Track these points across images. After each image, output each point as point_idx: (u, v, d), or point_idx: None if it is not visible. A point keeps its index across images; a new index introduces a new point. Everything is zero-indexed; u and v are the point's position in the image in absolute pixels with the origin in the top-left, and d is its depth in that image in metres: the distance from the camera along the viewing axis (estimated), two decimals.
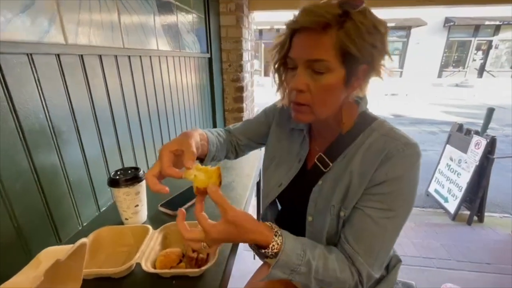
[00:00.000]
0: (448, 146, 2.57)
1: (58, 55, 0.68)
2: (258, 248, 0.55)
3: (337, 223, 0.61)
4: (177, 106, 1.39)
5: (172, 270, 0.59)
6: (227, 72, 2.13)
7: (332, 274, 0.54)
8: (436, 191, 2.62)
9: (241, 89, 2.19)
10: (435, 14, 11.55)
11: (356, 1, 0.49)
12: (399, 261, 0.74)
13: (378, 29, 0.50)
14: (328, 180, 0.63)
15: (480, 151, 2.18)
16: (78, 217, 0.79)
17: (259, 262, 0.89)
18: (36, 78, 0.64)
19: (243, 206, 0.92)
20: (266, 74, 13.30)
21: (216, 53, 1.95)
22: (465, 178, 2.29)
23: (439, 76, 13.03)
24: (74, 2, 0.72)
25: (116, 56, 0.90)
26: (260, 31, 12.94)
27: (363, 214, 0.57)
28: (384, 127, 0.59)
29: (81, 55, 0.76)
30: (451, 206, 2.36)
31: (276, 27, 12.75)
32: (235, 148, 0.85)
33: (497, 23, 11.89)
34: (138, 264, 0.60)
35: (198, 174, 0.49)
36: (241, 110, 2.24)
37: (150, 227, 0.70)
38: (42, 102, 0.65)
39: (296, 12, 0.52)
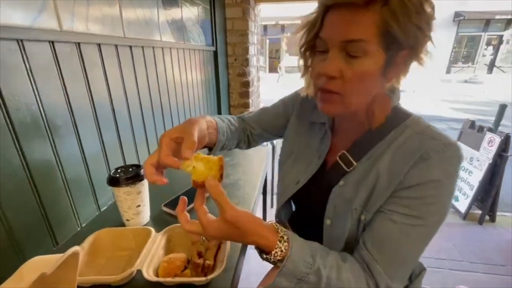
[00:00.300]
0: (458, 143, 2.49)
1: (52, 42, 0.63)
2: (261, 251, 0.49)
3: (357, 228, 0.55)
4: (181, 101, 1.33)
5: (177, 279, 0.54)
6: (233, 66, 2.07)
7: (346, 286, 0.48)
8: None
9: (247, 84, 2.12)
10: (444, 9, 11.27)
11: None
12: (423, 269, 0.67)
13: (425, 8, 0.43)
14: (351, 181, 0.57)
15: (493, 149, 2.10)
16: (76, 217, 0.74)
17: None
18: (28, 67, 0.58)
19: (251, 207, 0.86)
20: (270, 70, 13.20)
21: (222, 47, 1.89)
22: (477, 177, 2.21)
23: (448, 72, 12.77)
24: None
25: (116, 46, 0.84)
26: (265, 27, 12.82)
27: (387, 219, 0.50)
28: (420, 124, 0.52)
29: (78, 43, 0.70)
30: (462, 205, 2.29)
31: (281, 22, 12.61)
32: (247, 137, 0.79)
33: (508, 17, 11.57)
34: (139, 271, 0.55)
35: (197, 165, 0.44)
36: (247, 105, 2.18)
37: (152, 229, 0.65)
38: (34, 94, 0.60)
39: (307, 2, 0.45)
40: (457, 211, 2.31)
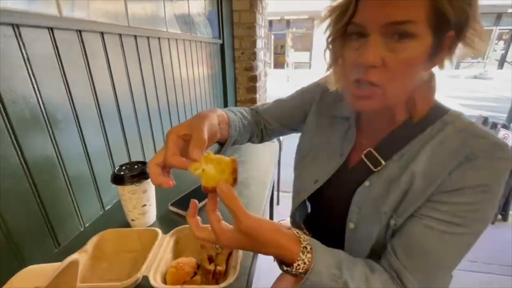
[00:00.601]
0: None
1: (51, 29, 0.58)
2: (280, 262, 0.44)
3: (385, 234, 0.50)
4: (187, 95, 1.28)
5: (186, 286, 0.49)
6: (240, 60, 2.01)
7: None
8: None
9: (254, 79, 2.07)
10: None
11: None
12: (451, 276, 0.62)
13: None
14: (379, 181, 0.51)
15: None
16: (79, 217, 0.70)
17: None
18: (25, 55, 0.54)
19: (261, 207, 0.81)
20: (275, 66, 13.08)
21: (228, 40, 1.83)
22: None
23: (457, 67, 12.49)
24: None
25: (120, 36, 0.79)
26: (270, 22, 12.67)
27: (423, 225, 0.45)
28: (462, 121, 0.47)
29: (79, 31, 0.65)
30: None
31: (286, 17, 12.46)
32: (261, 131, 0.74)
33: None
34: (145, 277, 0.51)
35: (207, 168, 0.39)
36: (254, 101, 2.12)
37: (159, 231, 0.61)
38: (32, 85, 0.55)
39: None
40: None
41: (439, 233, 0.44)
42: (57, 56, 0.60)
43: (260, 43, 2.09)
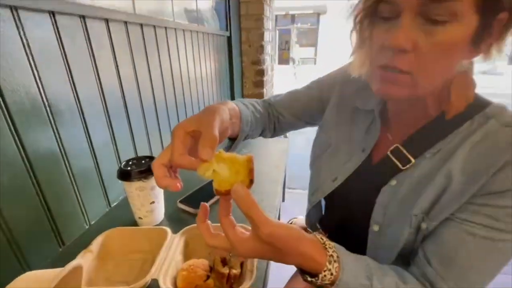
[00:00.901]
0: None
1: (53, 13, 0.54)
2: (303, 272, 0.39)
3: (415, 238, 0.45)
4: (194, 88, 1.24)
5: None
6: (247, 54, 1.96)
7: None
8: None
9: (261, 73, 2.01)
10: None
11: None
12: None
13: None
14: (408, 180, 0.47)
15: None
16: (84, 214, 0.67)
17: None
18: (25, 41, 0.50)
19: (275, 206, 0.77)
20: (280, 62, 12.95)
21: (236, 32, 1.78)
22: None
23: None
24: None
25: (126, 23, 0.75)
26: (275, 17, 12.53)
27: (461, 230, 0.40)
28: (507, 115, 0.42)
29: (83, 17, 0.61)
30: None
31: (291, 12, 12.30)
32: (274, 125, 0.69)
33: None
34: (155, 280, 0.47)
35: (219, 169, 0.34)
36: (261, 95, 2.08)
37: (168, 230, 0.57)
38: (33, 73, 0.52)
39: None
40: None
41: (480, 240, 0.39)
42: (60, 43, 0.56)
43: (267, 36, 2.04)
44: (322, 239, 0.39)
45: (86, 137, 0.65)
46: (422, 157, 0.46)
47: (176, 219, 0.70)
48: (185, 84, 1.14)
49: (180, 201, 0.74)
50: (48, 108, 0.55)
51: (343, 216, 0.61)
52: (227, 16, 1.60)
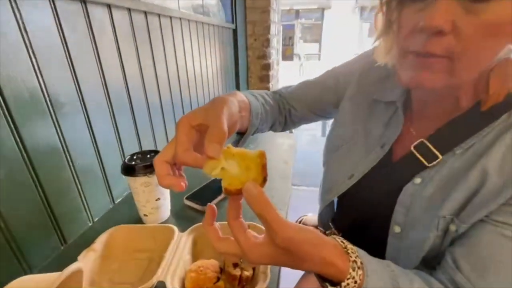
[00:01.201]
0: None
1: None
2: (323, 280, 0.35)
3: (442, 241, 0.41)
4: (200, 80, 1.21)
5: None
6: (252, 47, 1.91)
7: None
8: None
9: (267, 67, 1.97)
10: None
11: None
12: None
13: None
14: (434, 179, 0.43)
15: None
16: (87, 211, 0.64)
17: None
18: (21, 25, 0.46)
19: (287, 203, 0.73)
20: (284, 58, 12.84)
21: (241, 25, 1.74)
22: None
23: None
24: None
25: (129, 10, 0.71)
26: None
27: (498, 234, 0.36)
28: None
29: (84, 2, 0.57)
30: None
31: (295, 7, 12.15)
32: (285, 118, 0.65)
33: None
34: (161, 282, 0.44)
35: (228, 166, 0.30)
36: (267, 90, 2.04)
37: (175, 228, 0.54)
38: (31, 59, 0.48)
39: None
40: None
41: None
42: (59, 29, 0.53)
43: (274, 29, 1.99)
44: (343, 243, 0.35)
45: (89, 130, 0.62)
46: (451, 153, 0.42)
47: (183, 217, 0.67)
48: (190, 76, 1.10)
49: (187, 198, 0.71)
50: (47, 98, 0.52)
51: (358, 216, 0.57)
52: (232, 8, 1.56)
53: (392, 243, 0.48)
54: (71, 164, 0.58)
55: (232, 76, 1.72)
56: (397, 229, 0.46)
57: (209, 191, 0.73)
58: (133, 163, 0.57)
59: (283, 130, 0.69)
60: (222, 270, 0.48)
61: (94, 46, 0.62)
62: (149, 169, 0.57)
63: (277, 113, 0.63)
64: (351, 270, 0.32)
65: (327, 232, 0.65)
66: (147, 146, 0.84)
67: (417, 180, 0.45)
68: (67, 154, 0.57)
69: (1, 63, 0.43)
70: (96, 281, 0.48)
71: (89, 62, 0.61)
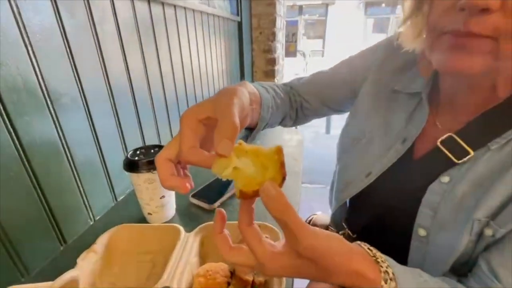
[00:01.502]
0: None
1: None
2: None
3: (475, 246, 0.38)
4: (204, 73, 1.17)
5: None
6: (257, 41, 1.87)
7: None
8: None
9: (272, 62, 1.92)
10: None
11: None
12: None
13: None
14: (467, 177, 0.39)
15: None
16: (88, 209, 0.60)
17: None
18: (16, 9, 0.42)
19: (298, 203, 0.70)
20: (287, 54, 12.74)
21: (246, 18, 1.69)
22: None
23: None
24: None
25: None
26: None
27: None
28: None
29: None
30: None
31: (299, 3, 12.01)
32: (296, 112, 0.62)
33: None
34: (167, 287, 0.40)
35: (241, 165, 0.26)
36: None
37: (181, 228, 0.50)
38: (25, 45, 0.45)
39: None
40: None
41: None
42: (57, 16, 0.49)
43: (279, 23, 1.94)
44: (371, 250, 0.31)
45: (89, 123, 0.59)
46: (485, 148, 0.38)
47: (188, 215, 0.63)
48: (195, 68, 1.06)
49: (193, 195, 0.67)
50: (45, 90, 0.48)
51: (374, 216, 0.53)
52: None
53: (416, 247, 0.44)
54: (70, 159, 0.55)
55: (237, 70, 1.67)
56: (422, 232, 0.43)
57: (216, 188, 0.70)
58: (136, 158, 0.54)
59: (293, 125, 0.65)
60: (232, 274, 0.45)
61: (94, 32, 0.58)
62: (153, 165, 0.53)
63: (288, 107, 0.60)
64: (383, 283, 0.28)
65: (339, 232, 0.62)
66: (151, 140, 0.80)
67: (445, 178, 0.41)
68: (66, 149, 0.54)
69: None
70: (97, 286, 0.44)
71: (89, 49, 0.58)
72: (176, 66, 0.91)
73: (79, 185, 0.57)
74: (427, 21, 0.38)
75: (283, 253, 0.27)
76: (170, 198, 0.60)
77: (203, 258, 0.49)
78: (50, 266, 0.50)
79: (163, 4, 0.81)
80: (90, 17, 0.56)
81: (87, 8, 0.56)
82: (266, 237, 0.45)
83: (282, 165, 0.26)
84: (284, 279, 0.41)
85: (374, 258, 0.30)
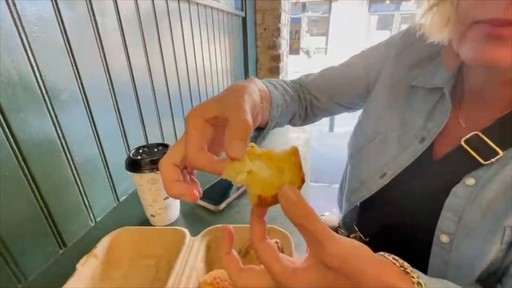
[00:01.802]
0: None
1: None
2: None
3: (505, 255, 0.34)
4: (209, 69, 1.14)
5: None
6: (262, 37, 1.83)
7: None
8: None
9: (277, 58, 1.89)
10: None
11: None
12: None
13: None
14: (497, 179, 0.36)
15: None
16: (89, 210, 0.58)
17: None
18: (11, 1, 0.40)
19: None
20: (290, 52, 12.65)
21: (251, 13, 1.65)
22: None
23: None
24: None
25: None
26: None
27: None
28: None
29: None
30: None
31: (302, 0, 11.92)
32: (305, 110, 0.59)
33: None
34: None
35: (256, 168, 0.24)
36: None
37: (186, 231, 0.48)
38: (23, 43, 0.42)
39: None
40: None
41: None
42: (55, 7, 0.46)
43: (284, 18, 1.90)
44: (397, 260, 0.28)
45: (90, 121, 0.56)
46: None
47: (193, 218, 0.60)
48: (198, 65, 1.03)
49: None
50: (43, 86, 0.45)
51: (389, 220, 0.50)
52: None
53: (438, 255, 0.40)
54: (69, 158, 0.52)
55: (241, 67, 1.64)
56: (444, 238, 0.39)
57: (221, 189, 0.67)
58: (139, 157, 0.51)
59: (302, 124, 0.62)
60: None
61: (94, 26, 0.55)
62: (156, 164, 0.50)
63: (297, 105, 0.56)
64: None
65: (351, 235, 0.59)
66: (154, 139, 0.77)
67: (470, 180, 0.38)
68: (65, 147, 0.51)
69: None
70: None
71: (89, 43, 0.55)
72: (179, 61, 0.88)
73: (79, 185, 0.55)
74: (456, 9, 0.34)
75: (307, 268, 0.23)
76: (174, 199, 0.58)
77: (209, 263, 0.46)
78: (49, 271, 0.47)
79: None
80: (90, 9, 0.54)
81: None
82: (276, 242, 0.42)
83: (299, 167, 0.23)
84: None
85: (402, 268, 0.27)
